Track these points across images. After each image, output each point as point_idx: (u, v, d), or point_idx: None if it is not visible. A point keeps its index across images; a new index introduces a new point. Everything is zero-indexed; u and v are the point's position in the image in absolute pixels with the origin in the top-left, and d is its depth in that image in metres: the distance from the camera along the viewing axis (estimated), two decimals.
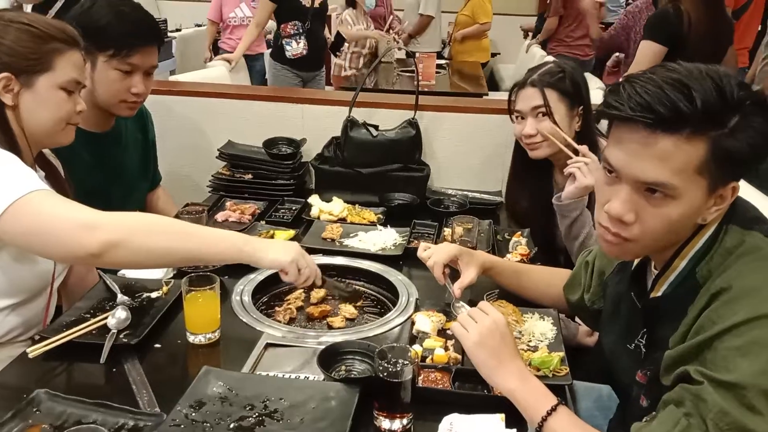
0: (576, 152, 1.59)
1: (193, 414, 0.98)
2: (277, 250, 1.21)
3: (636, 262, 1.09)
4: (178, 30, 5.38)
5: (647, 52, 2.67)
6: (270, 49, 4.25)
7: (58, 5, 3.21)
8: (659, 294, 0.99)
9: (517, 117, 1.72)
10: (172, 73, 4.41)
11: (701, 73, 0.85)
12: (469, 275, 1.33)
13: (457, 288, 1.31)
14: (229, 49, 4.20)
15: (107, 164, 1.72)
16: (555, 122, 1.63)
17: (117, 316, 1.23)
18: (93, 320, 1.23)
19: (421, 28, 5.22)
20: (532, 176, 1.79)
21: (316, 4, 3.80)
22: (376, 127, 2.06)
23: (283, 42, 3.75)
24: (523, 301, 1.40)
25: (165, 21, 4.86)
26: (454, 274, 1.36)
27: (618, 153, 0.90)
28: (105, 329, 1.21)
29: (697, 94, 0.83)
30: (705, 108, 0.83)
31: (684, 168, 0.85)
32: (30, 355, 1.15)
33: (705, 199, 0.89)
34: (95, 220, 1.10)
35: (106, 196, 1.71)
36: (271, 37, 4.65)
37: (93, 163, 1.67)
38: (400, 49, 4.35)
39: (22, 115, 1.25)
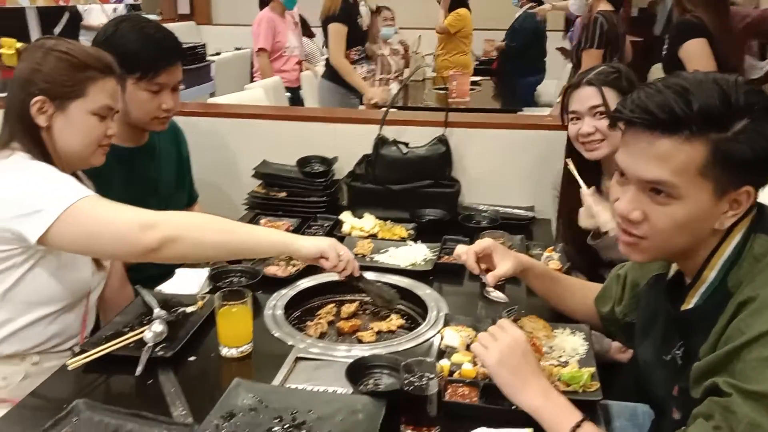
0: None
1: (224, 425, 1.01)
2: (310, 243, 1.31)
3: (671, 273, 1.08)
4: (217, 54, 5.53)
5: (698, 48, 2.74)
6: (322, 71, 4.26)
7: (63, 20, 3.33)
8: (691, 306, 0.98)
9: (572, 118, 1.70)
10: (212, 95, 4.53)
11: (709, 80, 0.89)
12: (504, 267, 1.30)
13: (491, 276, 1.28)
14: (289, 82, 4.22)
15: (143, 177, 1.79)
16: None
17: (153, 330, 1.27)
18: (130, 334, 1.28)
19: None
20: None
21: (365, 28, 3.92)
22: (406, 144, 2.08)
23: None
24: (554, 316, 1.39)
25: (204, 45, 5.00)
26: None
27: (623, 155, 0.95)
28: (141, 342, 1.25)
29: (695, 98, 0.86)
30: (703, 111, 0.86)
31: (684, 168, 0.88)
32: (69, 367, 1.20)
33: (714, 202, 0.90)
34: (152, 219, 1.20)
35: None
36: (314, 68, 4.72)
37: (129, 177, 1.73)
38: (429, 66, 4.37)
39: (54, 137, 1.32)
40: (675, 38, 2.85)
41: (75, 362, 1.20)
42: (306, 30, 5.35)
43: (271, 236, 1.32)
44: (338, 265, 1.31)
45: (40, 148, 1.31)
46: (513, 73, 5.24)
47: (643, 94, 0.91)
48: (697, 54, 2.73)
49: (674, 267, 1.09)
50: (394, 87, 4.15)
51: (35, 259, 1.28)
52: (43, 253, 1.28)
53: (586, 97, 1.66)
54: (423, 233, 1.86)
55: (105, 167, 1.44)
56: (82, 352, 1.23)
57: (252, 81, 4.27)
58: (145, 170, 1.80)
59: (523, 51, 5.27)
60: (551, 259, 1.66)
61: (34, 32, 2.80)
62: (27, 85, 1.30)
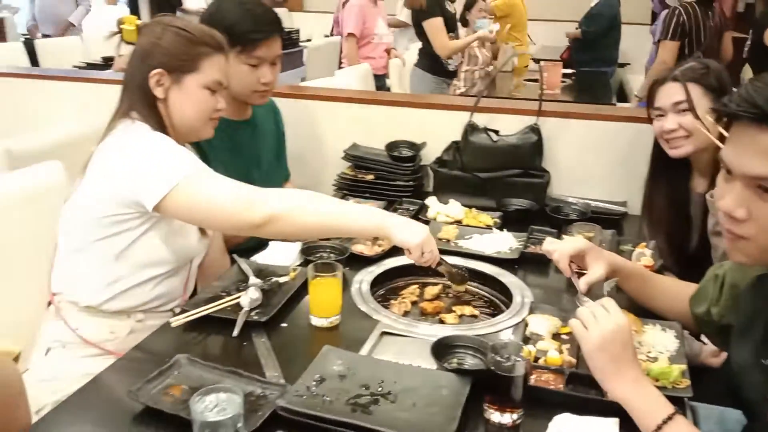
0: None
1: (315, 387, 1.05)
2: (407, 232, 1.31)
3: None
4: (308, 40, 5.65)
5: None
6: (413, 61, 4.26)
7: None
8: None
9: (657, 115, 1.67)
10: (303, 80, 4.64)
11: None
12: (596, 271, 1.28)
13: (583, 282, 1.26)
14: (375, 69, 4.23)
15: (247, 151, 1.87)
16: (697, 117, 1.57)
17: (249, 296, 1.33)
18: (228, 298, 1.35)
19: None
20: (669, 180, 1.72)
21: (453, 12, 3.95)
22: (496, 132, 2.07)
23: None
24: (645, 312, 1.35)
25: (297, 31, 5.12)
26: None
27: (729, 150, 0.92)
28: (238, 307, 1.32)
29: None
30: None
31: None
32: (172, 325, 1.28)
33: None
34: (258, 196, 1.27)
35: (248, 182, 1.87)
36: (400, 54, 4.74)
37: (234, 150, 1.82)
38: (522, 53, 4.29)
39: (170, 109, 1.40)
40: (757, 28, 2.71)
41: (177, 320, 1.28)
42: None
43: (371, 221, 1.32)
44: (419, 261, 1.33)
45: (156, 118, 1.40)
46: (586, 63, 5.04)
47: (750, 87, 0.88)
48: None
49: None
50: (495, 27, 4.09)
51: (150, 224, 1.37)
52: (157, 219, 1.37)
53: (671, 93, 1.62)
54: (509, 222, 1.85)
55: (212, 139, 1.52)
56: (183, 312, 1.31)
57: (340, 67, 4.33)
58: (249, 144, 1.88)
59: (599, 39, 5.07)
60: (643, 255, 1.62)
61: (145, 14, 2.98)
62: (146, 58, 1.39)
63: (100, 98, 1.53)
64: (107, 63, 3.97)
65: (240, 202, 1.26)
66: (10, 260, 1.53)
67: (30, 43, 4.55)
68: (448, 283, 1.50)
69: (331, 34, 5.27)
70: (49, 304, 1.46)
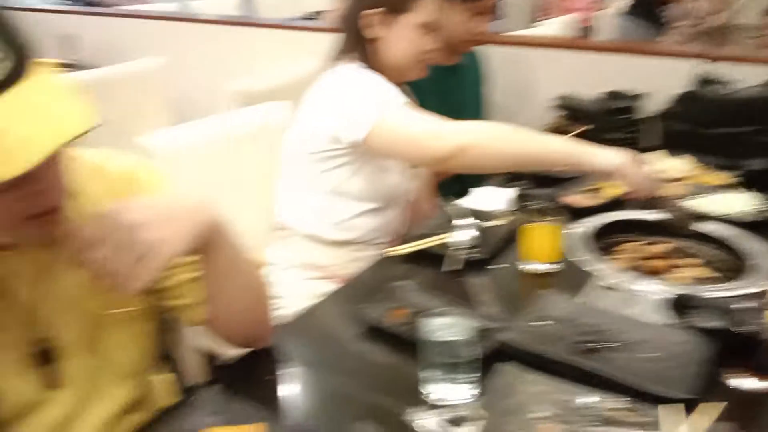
0: None
1: (536, 325, 1.03)
2: (607, 154, 1.26)
3: None
4: None
5: None
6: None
7: None
8: None
9: None
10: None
11: None
12: None
13: None
14: (581, 21, 4.02)
15: (453, 96, 1.88)
16: None
17: (462, 235, 1.34)
18: (440, 235, 1.36)
19: None
20: None
21: None
22: (732, 84, 1.84)
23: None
24: None
25: None
26: None
27: None
28: (450, 244, 1.32)
29: None
30: None
31: None
32: (389, 256, 1.33)
33: None
34: (445, 129, 1.28)
35: None
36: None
37: (441, 94, 1.83)
38: None
39: (382, 48, 1.43)
40: None
41: (394, 251, 1.33)
42: None
43: (565, 147, 1.29)
44: (630, 188, 1.28)
45: (368, 58, 1.44)
46: None
47: None
48: None
49: None
50: None
51: (361, 161, 1.43)
52: (366, 157, 1.42)
53: None
54: (746, 183, 1.65)
55: (422, 83, 1.53)
56: (398, 245, 1.35)
57: (536, 19, 4.14)
58: (455, 90, 1.89)
59: None
60: None
61: None
62: None
63: (317, 45, 1.60)
64: (318, 16, 4.19)
65: (431, 132, 1.28)
66: (242, 188, 1.68)
67: None
68: (677, 245, 1.38)
69: None
70: (276, 230, 1.59)
